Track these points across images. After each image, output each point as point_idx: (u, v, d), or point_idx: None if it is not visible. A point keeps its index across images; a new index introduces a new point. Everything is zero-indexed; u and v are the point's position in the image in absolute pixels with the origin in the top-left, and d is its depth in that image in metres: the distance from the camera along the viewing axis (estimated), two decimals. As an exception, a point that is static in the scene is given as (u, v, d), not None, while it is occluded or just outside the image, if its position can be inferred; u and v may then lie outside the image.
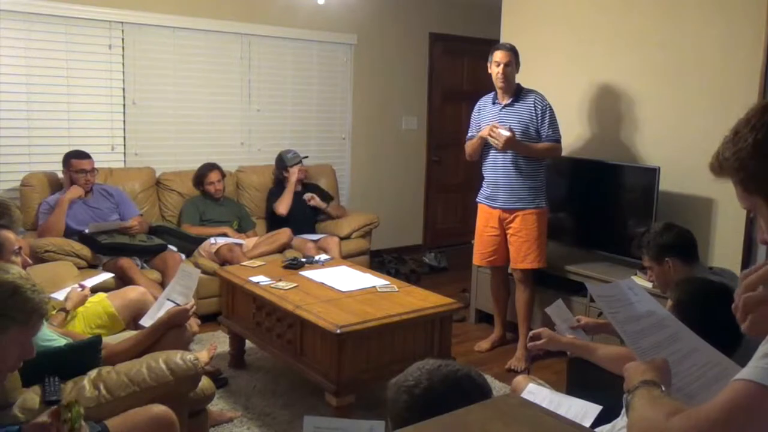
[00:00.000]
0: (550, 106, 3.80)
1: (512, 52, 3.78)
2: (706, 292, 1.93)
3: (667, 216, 3.44)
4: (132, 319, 3.02)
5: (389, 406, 1.36)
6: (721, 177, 1.09)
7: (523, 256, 3.84)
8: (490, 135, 3.72)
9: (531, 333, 2.35)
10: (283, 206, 4.99)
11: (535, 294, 3.98)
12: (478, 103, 4.01)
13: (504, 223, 3.89)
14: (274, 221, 5.10)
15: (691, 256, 2.48)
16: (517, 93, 3.83)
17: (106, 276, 3.22)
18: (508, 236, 3.90)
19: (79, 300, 2.86)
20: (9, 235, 2.38)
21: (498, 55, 3.77)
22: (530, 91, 3.84)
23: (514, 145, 3.70)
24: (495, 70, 3.79)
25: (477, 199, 4.05)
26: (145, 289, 3.32)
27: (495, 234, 3.94)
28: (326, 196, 5.39)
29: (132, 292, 3.16)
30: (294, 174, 5.07)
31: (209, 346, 3.26)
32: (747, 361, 1.01)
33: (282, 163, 5.15)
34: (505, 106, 3.83)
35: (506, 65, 3.75)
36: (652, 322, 1.41)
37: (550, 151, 3.82)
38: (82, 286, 2.93)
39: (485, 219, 3.98)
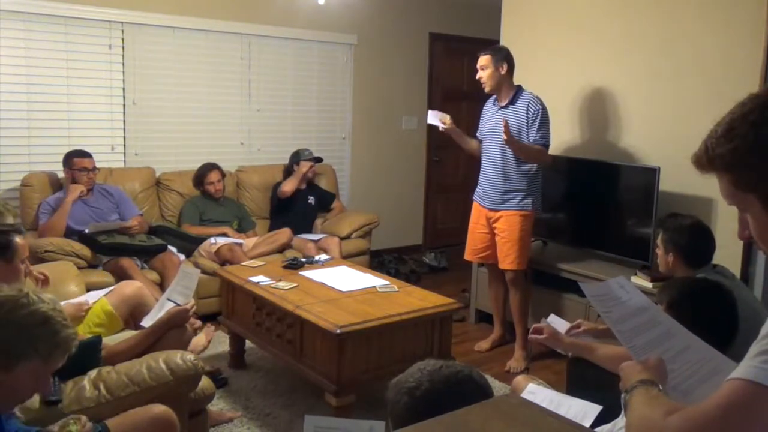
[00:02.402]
0: (543, 110, 3.76)
1: (492, 54, 3.76)
2: (698, 290, 1.93)
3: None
4: (130, 315, 2.99)
5: (389, 406, 1.36)
6: (705, 172, 1.06)
7: (504, 256, 3.87)
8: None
9: (533, 326, 2.34)
10: (288, 186, 5.01)
11: (531, 294, 4.00)
12: (485, 105, 4.03)
13: (490, 222, 3.92)
14: (276, 215, 5.12)
15: (695, 262, 2.48)
16: (515, 95, 3.82)
17: (109, 290, 3.14)
18: (495, 235, 3.93)
19: (74, 312, 2.80)
20: (21, 241, 2.36)
21: (478, 61, 3.81)
22: (527, 94, 3.82)
23: (511, 140, 3.63)
24: (478, 76, 3.83)
25: (472, 197, 4.08)
26: (141, 283, 3.29)
27: (484, 232, 3.97)
28: (327, 196, 5.40)
29: (127, 288, 3.10)
30: (304, 166, 5.09)
31: (206, 328, 3.22)
32: (740, 358, 1.01)
33: (296, 156, 5.20)
34: (501, 108, 3.84)
35: (482, 68, 3.78)
36: (645, 320, 1.40)
37: (538, 154, 3.76)
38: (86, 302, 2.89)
39: (476, 216, 4.03)
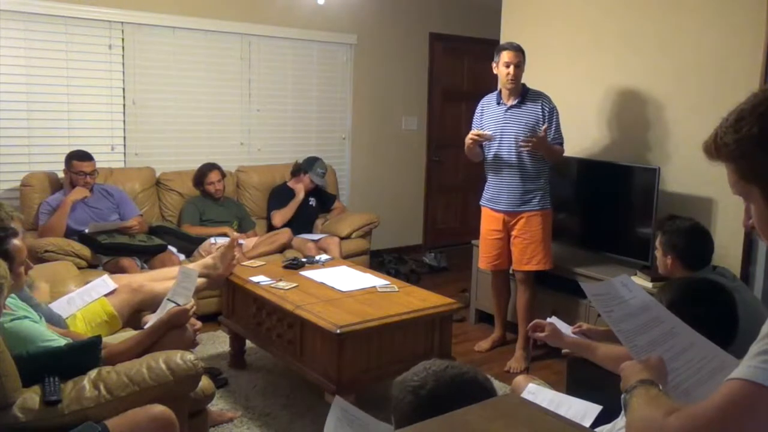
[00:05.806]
0: (556, 109, 3.77)
1: (521, 51, 3.73)
2: (698, 290, 1.93)
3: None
4: (130, 313, 2.99)
5: (394, 404, 1.35)
6: (714, 160, 1.08)
7: (529, 258, 3.81)
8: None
9: (534, 323, 2.34)
10: (278, 219, 4.97)
11: (536, 295, 3.97)
12: (480, 104, 3.95)
13: (508, 225, 3.85)
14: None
15: (694, 264, 2.48)
16: (524, 94, 3.78)
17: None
18: (511, 238, 3.87)
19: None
20: (19, 243, 2.33)
21: (508, 56, 3.70)
22: (538, 93, 3.79)
23: (545, 146, 3.63)
24: (504, 71, 3.71)
25: (480, 203, 4.01)
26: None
27: (499, 237, 3.89)
28: (328, 197, 5.40)
29: (125, 289, 3.11)
30: (305, 186, 5.05)
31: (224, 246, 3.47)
32: (740, 358, 1.01)
33: (309, 165, 5.12)
34: (511, 107, 3.78)
35: (516, 66, 3.69)
36: (648, 319, 1.40)
37: (560, 154, 3.79)
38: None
39: (489, 222, 3.93)
